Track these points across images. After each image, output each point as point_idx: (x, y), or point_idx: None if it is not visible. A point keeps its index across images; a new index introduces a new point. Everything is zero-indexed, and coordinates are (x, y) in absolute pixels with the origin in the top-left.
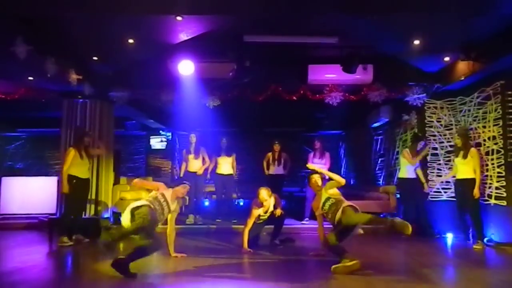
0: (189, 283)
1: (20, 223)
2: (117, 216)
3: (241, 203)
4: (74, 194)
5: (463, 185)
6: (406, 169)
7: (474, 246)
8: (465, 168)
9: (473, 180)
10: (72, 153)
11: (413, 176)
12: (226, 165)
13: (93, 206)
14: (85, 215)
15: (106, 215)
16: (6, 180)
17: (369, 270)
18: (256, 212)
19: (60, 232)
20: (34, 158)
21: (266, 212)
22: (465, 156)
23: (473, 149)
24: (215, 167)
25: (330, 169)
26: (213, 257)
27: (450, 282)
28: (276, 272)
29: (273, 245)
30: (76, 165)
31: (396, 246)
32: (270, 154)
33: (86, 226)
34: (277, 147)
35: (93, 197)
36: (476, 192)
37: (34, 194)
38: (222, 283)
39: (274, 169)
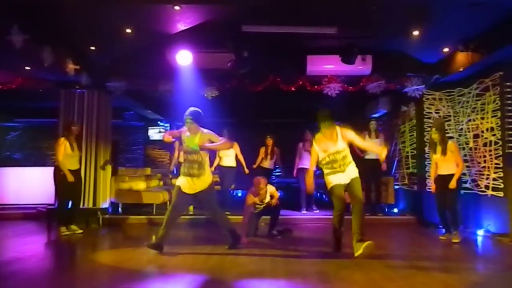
0: (185, 274)
1: (18, 213)
2: (115, 207)
3: (239, 194)
4: (66, 185)
5: (446, 181)
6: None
7: (452, 240)
8: (446, 164)
9: None
10: (63, 143)
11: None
12: (228, 157)
13: (91, 197)
14: (83, 205)
15: (104, 206)
16: (4, 170)
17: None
18: (251, 199)
19: (58, 223)
20: (32, 148)
21: (262, 202)
22: (444, 153)
23: (450, 143)
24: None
25: None
26: (211, 246)
27: (446, 272)
28: (274, 263)
29: (271, 236)
30: (66, 156)
31: (392, 236)
32: (263, 149)
33: (85, 217)
34: (269, 141)
35: (92, 188)
36: (453, 183)
37: (32, 184)
38: (219, 274)
39: (268, 164)
